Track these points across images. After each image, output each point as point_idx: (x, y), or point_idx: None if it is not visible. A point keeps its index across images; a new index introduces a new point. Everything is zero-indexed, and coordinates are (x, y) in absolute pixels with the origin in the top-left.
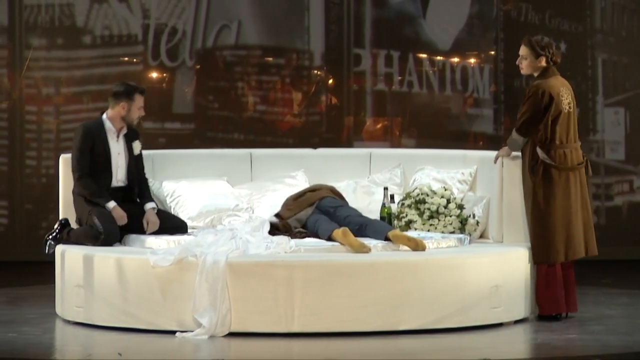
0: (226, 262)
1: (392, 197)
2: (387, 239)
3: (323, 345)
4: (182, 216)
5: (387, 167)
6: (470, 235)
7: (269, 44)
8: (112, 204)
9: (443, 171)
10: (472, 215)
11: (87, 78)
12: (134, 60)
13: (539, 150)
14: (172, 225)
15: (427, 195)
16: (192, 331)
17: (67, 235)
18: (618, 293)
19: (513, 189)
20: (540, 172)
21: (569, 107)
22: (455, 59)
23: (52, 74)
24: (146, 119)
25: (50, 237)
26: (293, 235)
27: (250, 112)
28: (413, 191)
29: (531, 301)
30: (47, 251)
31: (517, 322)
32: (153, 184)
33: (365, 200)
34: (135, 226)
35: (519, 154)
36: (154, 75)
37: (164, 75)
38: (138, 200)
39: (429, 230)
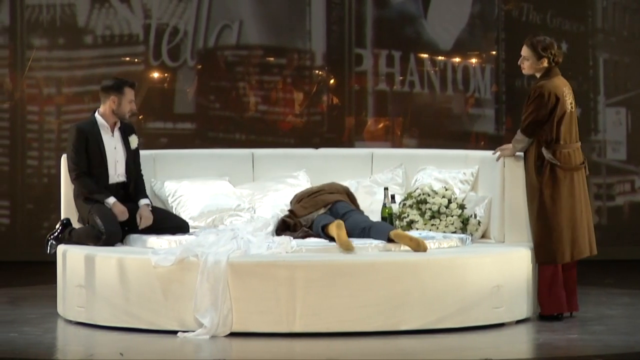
0: (227, 262)
1: (393, 197)
2: (389, 238)
3: (324, 345)
4: (184, 216)
5: (389, 167)
6: (471, 235)
7: (270, 44)
8: (111, 200)
9: (445, 171)
10: (473, 215)
11: (88, 78)
12: (136, 60)
13: (544, 151)
14: (173, 225)
15: (429, 195)
16: (193, 331)
17: (68, 235)
18: (619, 293)
19: (515, 189)
20: (546, 172)
21: (571, 107)
22: (457, 59)
23: (54, 74)
24: (148, 119)
25: (52, 237)
26: (295, 235)
27: (251, 112)
28: (415, 191)
29: (533, 301)
30: (48, 251)
31: (518, 322)
32: (155, 184)
33: (367, 200)
34: (137, 225)
35: (521, 154)
36: (156, 75)
37: (166, 75)
38: (133, 196)
39: (430, 230)
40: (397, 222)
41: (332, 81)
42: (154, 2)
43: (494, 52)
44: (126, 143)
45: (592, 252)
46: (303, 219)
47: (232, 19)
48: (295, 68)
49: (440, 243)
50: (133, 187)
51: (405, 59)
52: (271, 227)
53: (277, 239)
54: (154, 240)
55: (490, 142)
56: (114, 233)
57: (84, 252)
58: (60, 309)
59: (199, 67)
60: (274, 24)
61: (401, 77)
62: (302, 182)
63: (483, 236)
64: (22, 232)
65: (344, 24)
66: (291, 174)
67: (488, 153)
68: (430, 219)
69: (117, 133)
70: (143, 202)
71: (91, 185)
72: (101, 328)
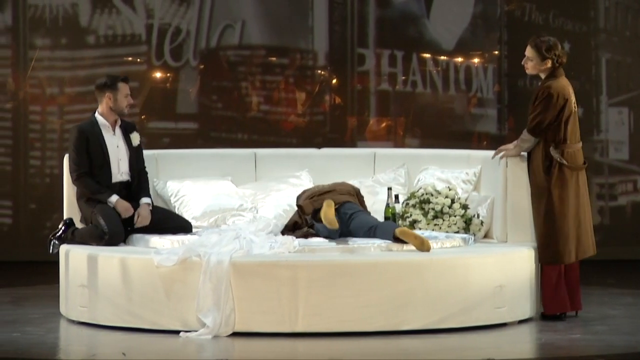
0: (230, 262)
1: (396, 197)
2: (395, 237)
3: (327, 345)
4: (186, 216)
5: (391, 167)
6: (474, 235)
7: (272, 43)
8: (114, 198)
9: (447, 171)
10: (476, 215)
11: (90, 78)
12: (138, 60)
13: (553, 151)
14: (176, 225)
15: (432, 195)
16: (196, 331)
17: (71, 235)
18: (622, 293)
19: (517, 188)
20: (555, 172)
21: (575, 107)
22: (459, 59)
23: (56, 73)
24: (150, 118)
25: (55, 236)
26: (296, 235)
27: (254, 112)
28: (417, 191)
29: (535, 301)
30: (51, 251)
31: (521, 322)
32: (157, 183)
33: (370, 200)
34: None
35: (525, 154)
36: (158, 75)
37: (168, 75)
38: (135, 193)
39: (433, 230)
40: (400, 222)
41: (334, 81)
42: (156, 2)
43: (496, 52)
44: (128, 141)
45: (593, 252)
46: (310, 217)
47: (234, 19)
48: (297, 68)
49: (443, 243)
50: (136, 185)
51: (407, 59)
52: (271, 227)
53: (280, 238)
54: (156, 240)
55: (493, 142)
56: (117, 233)
57: (86, 252)
58: (62, 308)
59: (202, 67)
60: (277, 23)
61: (403, 77)
62: (305, 182)
63: (485, 236)
64: (25, 232)
65: (346, 23)
66: (293, 173)
67: (491, 153)
68: (433, 219)
69: (118, 131)
70: (144, 200)
71: (93, 185)
72: (104, 328)
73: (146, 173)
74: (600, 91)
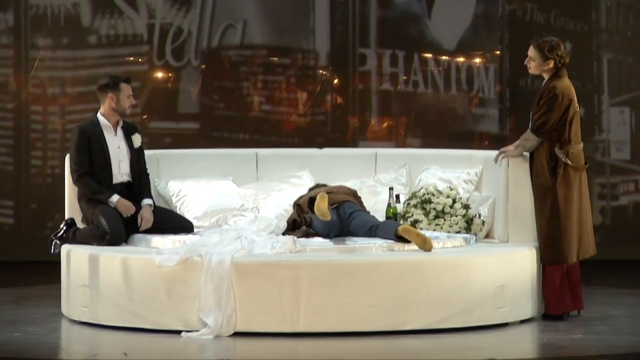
0: (231, 262)
1: (397, 197)
2: (397, 234)
3: (328, 345)
4: (188, 216)
5: (393, 167)
6: (476, 235)
7: (274, 43)
8: (115, 197)
9: (449, 171)
10: (477, 215)
11: (92, 78)
12: (140, 60)
13: (558, 151)
14: (177, 225)
15: (433, 195)
16: (197, 331)
17: (72, 235)
18: (623, 293)
19: (519, 188)
20: (561, 172)
21: (577, 107)
22: (461, 59)
23: (58, 73)
24: (151, 118)
25: (56, 236)
26: (295, 234)
27: (255, 112)
28: (419, 191)
29: (537, 301)
30: (52, 251)
31: (522, 322)
32: (159, 183)
33: (371, 200)
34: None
35: (527, 154)
36: (160, 75)
37: (169, 75)
38: (137, 194)
39: (434, 230)
40: (402, 222)
41: (335, 81)
42: (158, 2)
43: (497, 52)
44: (129, 142)
45: (594, 251)
46: (308, 215)
47: (236, 19)
48: (299, 68)
49: (445, 243)
50: (137, 186)
51: (409, 59)
52: (273, 227)
53: (281, 238)
54: (158, 240)
55: (494, 142)
56: (119, 233)
57: (88, 252)
58: (64, 308)
59: (203, 66)
60: (278, 23)
61: (405, 77)
62: (306, 182)
63: (487, 236)
64: (26, 232)
65: (347, 23)
66: (295, 173)
67: (492, 153)
68: (434, 219)
69: (120, 132)
70: (145, 202)
71: (93, 185)
72: (105, 328)
73: (147, 175)
74: (602, 91)
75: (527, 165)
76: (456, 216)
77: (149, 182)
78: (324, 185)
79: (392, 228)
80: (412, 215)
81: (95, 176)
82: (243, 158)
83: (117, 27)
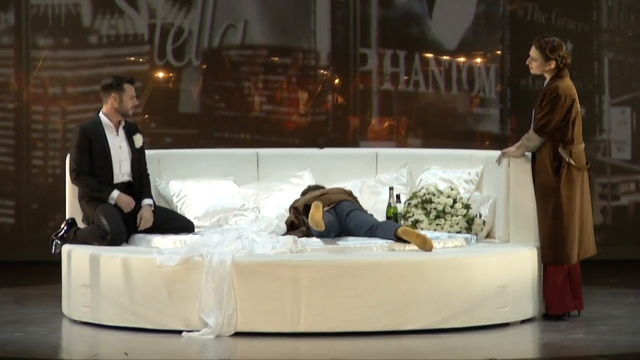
0: (232, 261)
1: (398, 196)
2: (397, 236)
3: (329, 345)
4: (189, 216)
5: (394, 166)
6: (476, 235)
7: (275, 43)
8: (115, 193)
9: (449, 171)
10: (478, 215)
11: (93, 78)
12: (140, 60)
13: (562, 151)
14: (178, 225)
15: (434, 195)
16: (198, 331)
17: (73, 235)
18: (624, 293)
19: (520, 188)
20: (564, 172)
21: (579, 107)
22: (462, 59)
23: (59, 73)
24: (152, 119)
25: (57, 236)
26: (299, 235)
27: (256, 112)
28: (419, 191)
29: (537, 301)
30: (53, 251)
31: (523, 322)
32: (159, 183)
33: (372, 200)
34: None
35: (529, 154)
36: (160, 75)
37: (170, 75)
38: (137, 194)
39: (435, 230)
40: (402, 222)
41: (336, 81)
42: (158, 2)
43: (498, 52)
44: (131, 142)
45: (594, 251)
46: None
47: (236, 19)
48: (300, 68)
49: (445, 243)
50: (138, 186)
51: (410, 59)
52: (273, 227)
53: (282, 238)
54: (158, 240)
55: (495, 142)
56: (120, 233)
57: (88, 252)
58: (65, 308)
59: (204, 66)
60: (279, 23)
61: (406, 77)
62: (307, 182)
63: (488, 236)
64: (27, 232)
65: (348, 23)
66: (296, 173)
67: (493, 153)
68: (435, 219)
69: (121, 132)
70: (146, 202)
71: (92, 183)
72: (106, 328)
73: (148, 175)
74: (603, 91)
75: (528, 165)
76: (457, 216)
77: (150, 183)
78: (317, 187)
79: (391, 229)
80: (413, 215)
81: (96, 176)
82: (244, 158)
83: (117, 27)
